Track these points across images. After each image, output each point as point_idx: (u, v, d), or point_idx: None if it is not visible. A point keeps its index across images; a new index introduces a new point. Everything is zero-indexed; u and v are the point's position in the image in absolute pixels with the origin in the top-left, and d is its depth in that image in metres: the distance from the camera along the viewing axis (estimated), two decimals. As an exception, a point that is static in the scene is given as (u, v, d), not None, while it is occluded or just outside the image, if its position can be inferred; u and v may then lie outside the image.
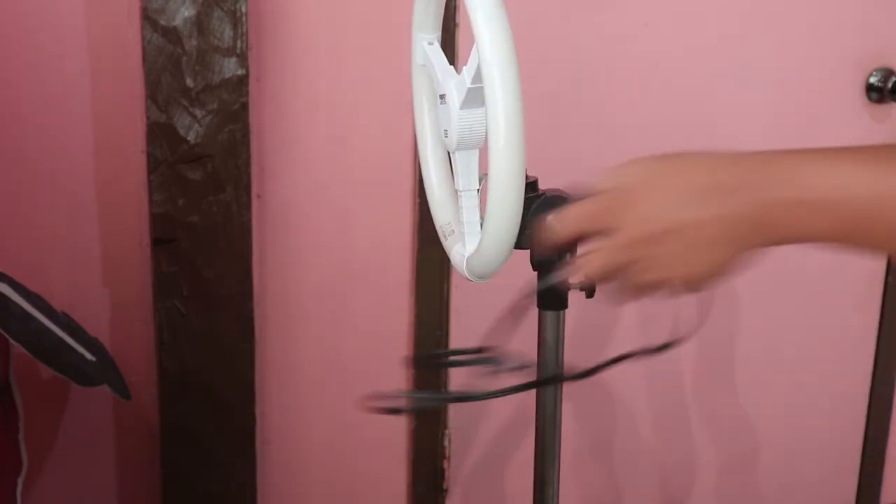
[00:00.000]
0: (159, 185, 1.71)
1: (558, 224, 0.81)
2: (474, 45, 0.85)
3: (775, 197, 0.66)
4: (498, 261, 0.93)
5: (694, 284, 0.73)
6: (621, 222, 0.74)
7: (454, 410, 1.97)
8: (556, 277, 0.87)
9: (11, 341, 1.53)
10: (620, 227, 0.75)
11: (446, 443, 1.98)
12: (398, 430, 1.97)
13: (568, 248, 0.87)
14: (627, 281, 0.76)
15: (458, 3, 1.74)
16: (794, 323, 2.04)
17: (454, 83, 0.93)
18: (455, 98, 0.93)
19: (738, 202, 0.67)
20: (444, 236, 1.06)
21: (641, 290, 0.75)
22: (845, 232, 0.65)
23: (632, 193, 0.74)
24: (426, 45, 1.02)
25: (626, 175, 0.76)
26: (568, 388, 1.20)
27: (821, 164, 0.66)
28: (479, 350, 0.90)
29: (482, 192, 0.95)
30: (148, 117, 1.69)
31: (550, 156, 1.88)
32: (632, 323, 2.01)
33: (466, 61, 0.90)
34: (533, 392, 1.18)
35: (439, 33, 1.04)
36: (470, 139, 0.94)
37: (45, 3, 1.70)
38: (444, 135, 0.97)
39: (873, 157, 0.65)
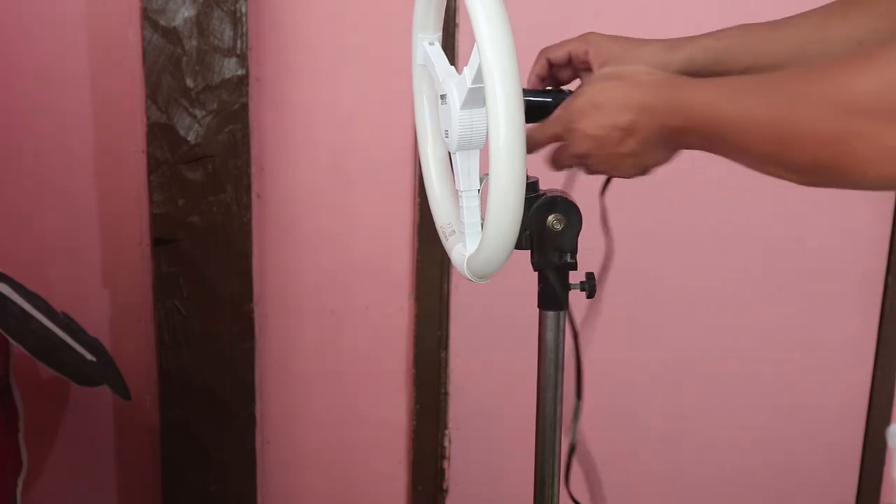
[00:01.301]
0: (159, 185, 1.71)
1: (535, 134, 0.95)
2: (475, 46, 0.85)
3: (676, 122, 0.86)
4: (499, 261, 0.92)
5: (637, 173, 0.95)
6: (574, 137, 0.96)
7: (454, 410, 1.97)
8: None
9: (11, 341, 1.53)
10: (574, 141, 0.96)
11: (446, 443, 1.98)
12: (398, 430, 1.97)
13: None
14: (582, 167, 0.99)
15: (458, 3, 1.74)
16: (795, 323, 2.05)
17: (455, 83, 0.93)
18: (455, 98, 0.93)
19: (656, 122, 0.87)
20: (445, 236, 1.06)
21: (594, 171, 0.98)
22: (727, 148, 0.82)
23: (581, 113, 0.94)
24: (427, 46, 1.02)
25: (580, 97, 0.95)
26: (567, 390, 1.20)
27: (708, 93, 0.82)
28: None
29: (483, 193, 0.95)
30: (148, 117, 1.69)
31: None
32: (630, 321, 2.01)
33: (467, 61, 0.90)
34: (533, 392, 1.18)
35: (440, 33, 1.04)
36: (470, 139, 0.94)
37: (45, 4, 1.70)
38: (444, 135, 0.97)
39: (748, 85, 0.81)
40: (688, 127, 0.85)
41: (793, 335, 2.06)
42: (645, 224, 1.96)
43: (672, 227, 1.96)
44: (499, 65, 0.82)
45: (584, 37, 1.09)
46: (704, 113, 0.82)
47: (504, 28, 0.83)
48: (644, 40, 1.09)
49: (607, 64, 1.06)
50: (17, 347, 1.56)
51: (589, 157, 0.95)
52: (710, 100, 0.82)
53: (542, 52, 1.10)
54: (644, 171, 0.94)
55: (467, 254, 0.98)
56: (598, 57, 1.07)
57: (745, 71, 1.02)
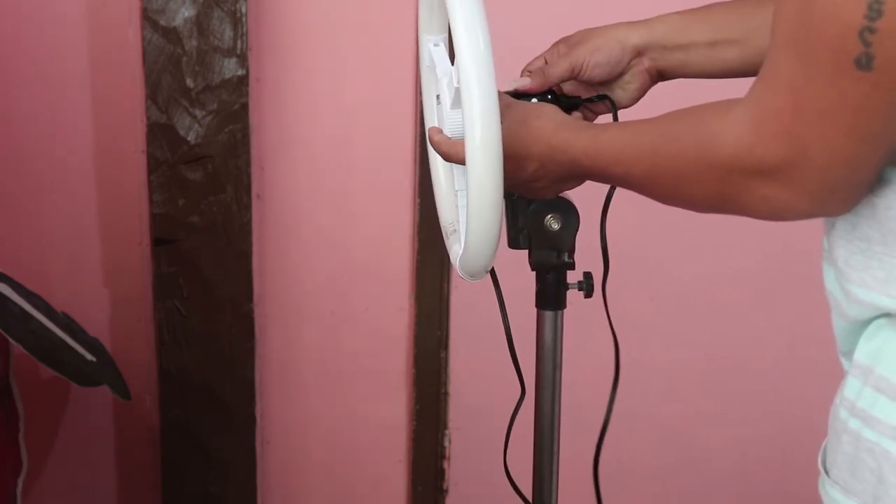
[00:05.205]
0: (159, 185, 1.72)
1: (451, 150, 0.97)
2: None
3: (571, 169, 0.94)
4: (483, 259, 0.92)
5: (552, 196, 1.04)
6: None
7: (454, 410, 1.97)
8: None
9: (11, 341, 1.53)
10: None
11: (446, 443, 1.98)
12: (398, 430, 1.97)
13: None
14: None
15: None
16: (796, 322, 2.04)
17: (446, 84, 0.94)
18: (446, 98, 0.93)
19: (557, 166, 0.94)
20: (447, 235, 1.06)
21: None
22: (615, 182, 0.93)
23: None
24: (431, 47, 1.02)
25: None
26: (566, 390, 1.20)
27: (585, 140, 0.91)
28: None
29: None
30: (148, 117, 1.69)
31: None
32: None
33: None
34: (532, 392, 1.18)
35: (445, 34, 1.04)
36: (461, 139, 0.94)
37: (45, 4, 1.71)
38: (442, 135, 0.97)
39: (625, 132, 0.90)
40: (581, 174, 0.94)
41: (794, 335, 2.05)
42: (644, 223, 1.96)
43: (671, 226, 1.96)
44: (474, 66, 0.82)
45: (554, 45, 1.12)
46: (591, 168, 0.91)
47: (481, 29, 0.83)
48: (608, 25, 1.11)
49: (580, 44, 1.10)
50: (17, 347, 1.56)
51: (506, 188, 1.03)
52: (593, 154, 0.90)
53: (525, 68, 1.12)
54: (558, 193, 1.03)
55: (461, 252, 0.99)
56: (569, 42, 1.10)
57: (708, 45, 1.07)
